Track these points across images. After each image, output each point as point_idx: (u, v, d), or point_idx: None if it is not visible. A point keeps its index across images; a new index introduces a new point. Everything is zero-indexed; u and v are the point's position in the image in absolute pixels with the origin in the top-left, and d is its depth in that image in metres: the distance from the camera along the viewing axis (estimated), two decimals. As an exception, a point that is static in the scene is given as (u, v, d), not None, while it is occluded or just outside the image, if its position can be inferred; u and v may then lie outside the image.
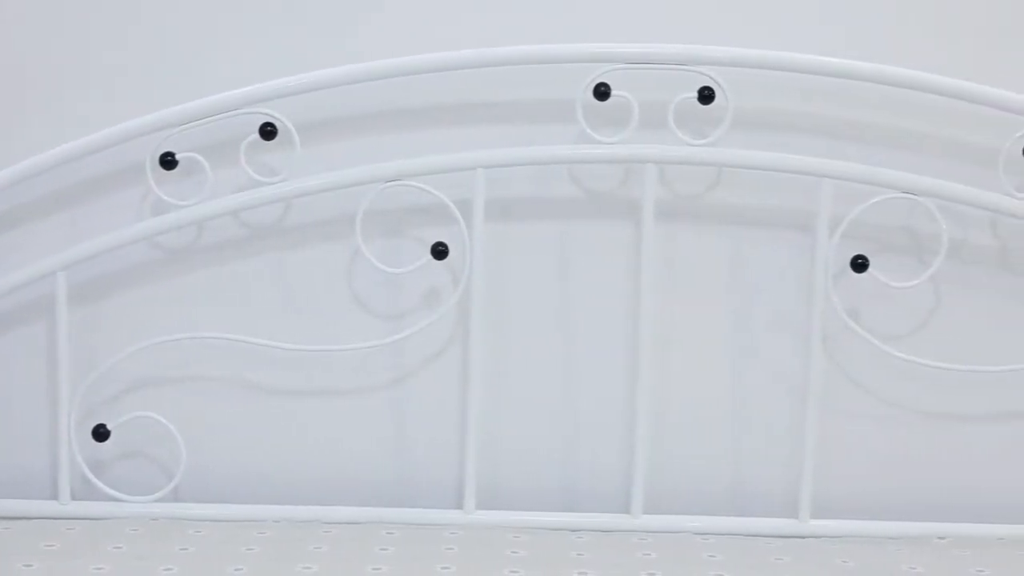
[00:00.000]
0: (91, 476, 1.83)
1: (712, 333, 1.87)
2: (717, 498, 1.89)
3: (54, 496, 1.84)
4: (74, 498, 1.83)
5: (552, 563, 1.62)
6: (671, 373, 1.87)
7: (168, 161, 1.77)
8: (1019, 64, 1.79)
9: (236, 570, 1.56)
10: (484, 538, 1.71)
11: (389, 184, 1.77)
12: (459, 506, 1.84)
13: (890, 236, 1.84)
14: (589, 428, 1.89)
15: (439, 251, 1.79)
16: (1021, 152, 1.76)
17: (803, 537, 1.79)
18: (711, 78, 1.74)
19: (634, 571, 1.60)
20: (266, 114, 1.75)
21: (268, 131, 1.76)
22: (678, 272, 1.86)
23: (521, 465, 1.89)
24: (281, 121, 1.76)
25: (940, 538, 1.78)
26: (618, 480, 1.86)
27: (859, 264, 1.79)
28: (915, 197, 1.76)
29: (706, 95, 1.74)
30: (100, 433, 1.84)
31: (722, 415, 1.89)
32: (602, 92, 1.74)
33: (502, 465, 1.89)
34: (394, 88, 1.78)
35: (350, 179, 1.77)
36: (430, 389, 1.88)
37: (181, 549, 1.64)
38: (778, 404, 1.87)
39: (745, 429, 1.89)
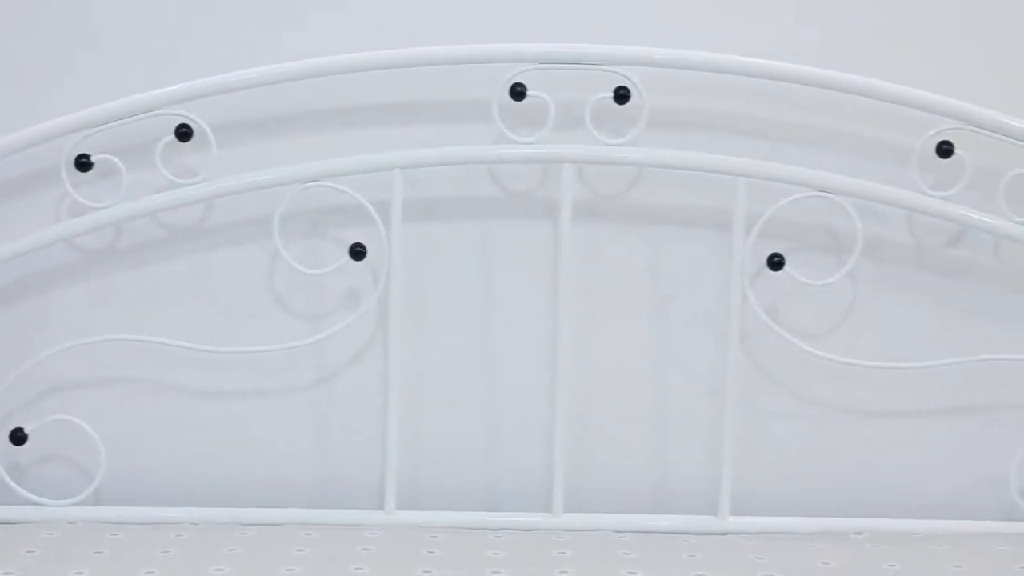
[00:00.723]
0: (9, 480, 1.82)
1: (632, 332, 1.88)
2: (639, 496, 1.90)
3: (-30, 501, 1.84)
4: (-8, 502, 1.83)
5: (467, 563, 1.63)
6: (592, 372, 1.88)
7: (83, 163, 1.76)
8: (931, 62, 1.80)
9: (147, 573, 1.55)
10: (403, 538, 1.71)
11: (307, 185, 1.77)
12: (380, 506, 1.84)
13: (809, 234, 1.85)
14: (511, 427, 1.89)
15: (357, 252, 1.79)
16: (934, 150, 1.78)
17: (723, 534, 1.80)
18: (627, 78, 1.75)
19: (548, 570, 1.61)
20: (182, 115, 1.75)
21: (184, 132, 1.75)
22: (598, 272, 1.87)
23: (443, 465, 1.90)
24: (197, 122, 1.75)
25: (857, 533, 1.79)
26: (540, 479, 1.86)
27: (775, 262, 1.81)
28: (830, 195, 1.77)
29: (622, 95, 1.75)
30: (18, 437, 1.83)
31: (643, 414, 1.90)
32: (518, 92, 1.75)
33: (424, 465, 1.89)
34: (313, 89, 1.78)
35: (268, 180, 1.77)
36: (352, 390, 1.88)
37: (96, 553, 1.63)
38: (698, 402, 1.88)
39: (666, 427, 1.90)
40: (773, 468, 1.90)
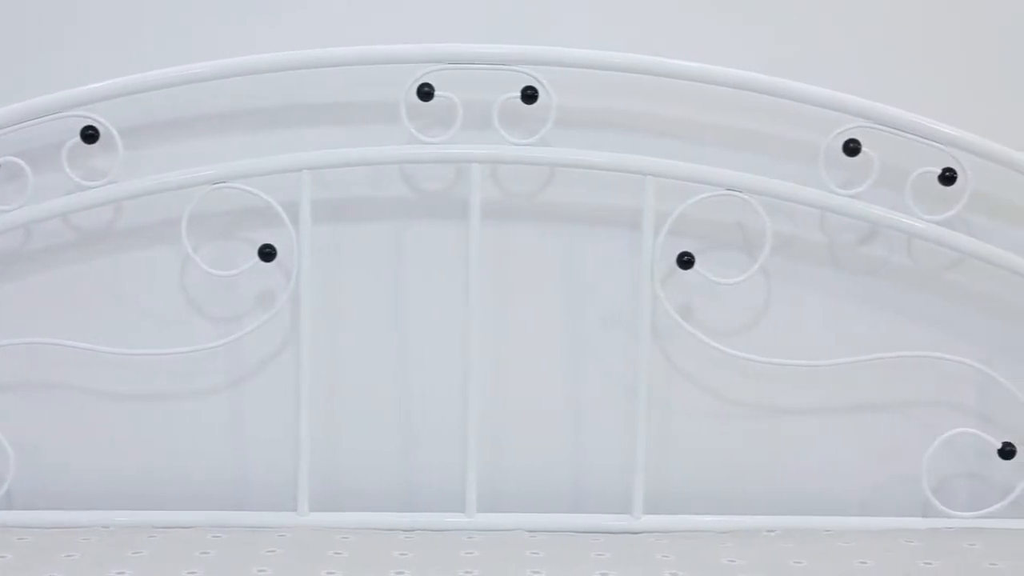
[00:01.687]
0: (-83, 485, 1.82)
1: (547, 331, 1.88)
2: (556, 496, 1.90)
3: None
4: (-99, 507, 1.82)
5: (373, 564, 1.62)
6: (507, 371, 1.88)
7: (-11, 166, 1.76)
8: (837, 61, 1.81)
9: (47, 577, 1.55)
10: (313, 540, 1.71)
11: (216, 187, 1.76)
12: (295, 508, 1.84)
13: (721, 233, 1.86)
14: (426, 427, 1.89)
15: (266, 253, 1.79)
16: (841, 149, 1.79)
17: (636, 533, 1.80)
18: (534, 78, 1.75)
19: (454, 570, 1.61)
20: (87, 117, 1.74)
21: (89, 135, 1.75)
22: (512, 271, 1.87)
23: (359, 465, 1.89)
24: (103, 124, 1.75)
25: (769, 531, 1.79)
26: (455, 479, 1.86)
27: (685, 261, 1.81)
28: (738, 194, 1.78)
29: (529, 95, 1.75)
30: (-73, 441, 1.82)
31: (558, 413, 1.90)
32: (426, 92, 1.75)
33: (340, 466, 1.89)
34: (221, 91, 1.77)
35: (175, 182, 1.76)
36: (266, 391, 1.87)
37: (0, 556, 1.62)
38: (613, 401, 1.88)
39: (581, 427, 1.90)
40: (689, 466, 1.91)
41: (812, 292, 1.88)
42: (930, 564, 1.66)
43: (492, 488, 1.88)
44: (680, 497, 1.90)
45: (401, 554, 1.66)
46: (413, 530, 1.78)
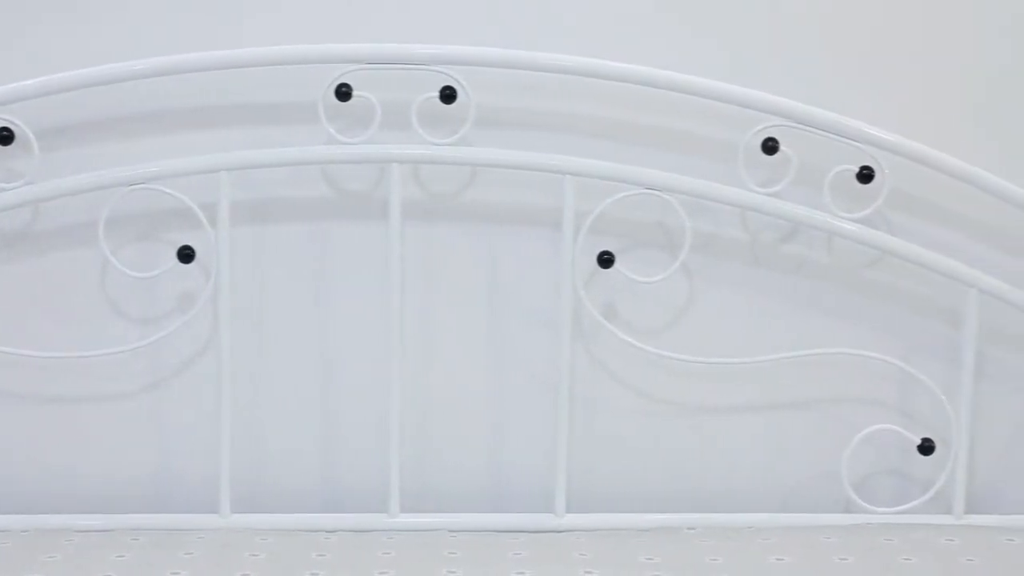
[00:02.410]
0: None
1: (471, 331, 1.88)
2: (480, 495, 1.90)
3: None
4: None
5: (290, 566, 1.62)
6: (431, 371, 1.88)
7: (-98, 167, 1.75)
8: (756, 61, 1.82)
9: (-43, 582, 1.54)
10: (232, 541, 1.70)
11: (133, 188, 1.75)
12: (216, 510, 1.83)
13: (643, 232, 1.86)
14: (349, 428, 1.89)
15: (185, 255, 1.79)
16: (760, 147, 1.79)
17: (558, 532, 1.80)
18: (453, 77, 1.75)
19: (369, 571, 1.60)
20: (2, 118, 1.72)
21: (5, 136, 1.73)
22: (436, 271, 1.87)
23: (282, 466, 1.89)
24: (19, 126, 1.73)
25: (690, 529, 1.80)
26: (378, 479, 1.85)
27: (605, 260, 1.81)
28: (656, 193, 1.78)
29: (448, 94, 1.75)
30: None
31: (483, 413, 1.90)
32: (344, 93, 1.75)
33: (263, 467, 1.89)
34: (140, 91, 1.76)
35: (92, 183, 1.75)
36: (188, 392, 1.87)
37: (-89, 561, 1.61)
38: (537, 400, 1.88)
39: (506, 426, 1.90)
40: (613, 465, 1.91)
41: (734, 290, 1.89)
42: (846, 560, 1.67)
43: (417, 488, 1.88)
44: (605, 496, 1.90)
45: (319, 555, 1.66)
46: (335, 531, 1.78)
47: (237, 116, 1.80)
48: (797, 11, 1.82)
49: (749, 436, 1.91)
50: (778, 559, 1.67)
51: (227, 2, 1.78)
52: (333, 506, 1.89)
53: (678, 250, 1.82)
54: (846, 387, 1.90)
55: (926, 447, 1.87)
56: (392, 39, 1.76)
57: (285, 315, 1.87)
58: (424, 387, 1.88)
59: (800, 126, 1.77)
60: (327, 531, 1.78)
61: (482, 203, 1.86)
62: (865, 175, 1.79)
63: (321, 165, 1.81)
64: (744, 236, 1.88)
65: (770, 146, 1.78)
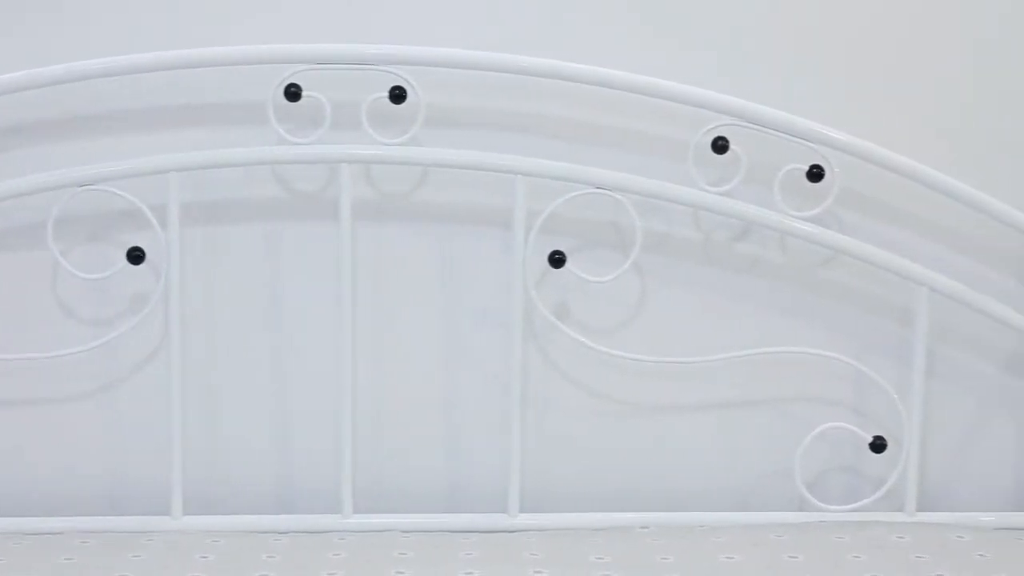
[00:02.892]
0: None
1: (424, 331, 1.88)
2: (434, 495, 1.90)
3: None
4: None
5: (239, 567, 1.62)
6: (384, 372, 1.88)
7: None
8: (705, 60, 1.82)
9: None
10: (183, 543, 1.70)
11: (83, 188, 1.75)
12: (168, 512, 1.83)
13: (596, 232, 1.86)
14: (303, 428, 1.89)
15: (135, 256, 1.78)
16: (710, 146, 1.80)
17: (511, 532, 1.80)
18: (402, 77, 1.75)
19: (318, 572, 1.60)
20: (-52, 120, 1.73)
21: (-48, 137, 1.74)
22: (388, 271, 1.86)
23: (235, 467, 1.89)
24: (-35, 127, 1.74)
25: (643, 528, 1.80)
26: (332, 479, 1.85)
27: (556, 259, 1.81)
28: (606, 192, 1.78)
29: (397, 94, 1.75)
30: None
31: (437, 413, 1.90)
32: (293, 93, 1.74)
33: (216, 468, 1.88)
34: (89, 92, 1.76)
35: (42, 184, 1.74)
36: (141, 394, 1.86)
37: None
38: (491, 400, 1.88)
39: (460, 426, 1.90)
40: (568, 465, 1.91)
41: (687, 290, 1.89)
42: (796, 558, 1.67)
43: (372, 488, 1.88)
44: (560, 496, 1.90)
45: (269, 556, 1.65)
46: (287, 532, 1.77)
47: (188, 117, 1.80)
48: (750, 12, 1.82)
49: (703, 435, 1.92)
50: (728, 558, 1.67)
51: (178, 2, 1.78)
52: (287, 507, 1.89)
53: (630, 249, 1.83)
54: (799, 386, 1.90)
55: (878, 445, 1.87)
56: (342, 39, 1.76)
57: (238, 316, 1.86)
58: (378, 387, 1.88)
59: (750, 125, 1.77)
60: (279, 532, 1.77)
61: (434, 203, 1.86)
62: (815, 174, 1.80)
63: (271, 166, 1.81)
64: (697, 235, 1.88)
65: (720, 145, 1.78)
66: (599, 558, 1.66)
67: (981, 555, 1.69)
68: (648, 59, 1.80)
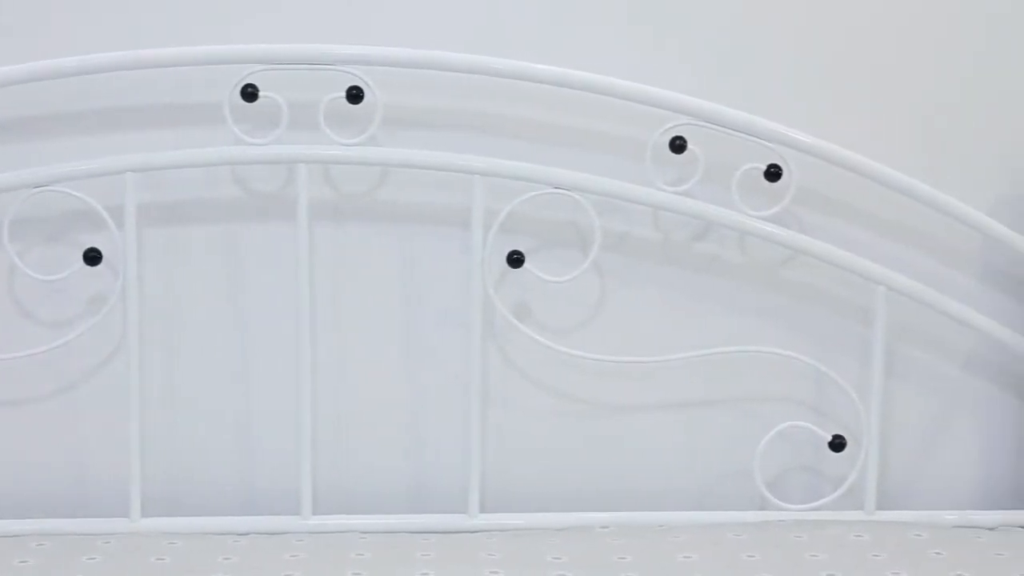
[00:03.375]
0: None
1: (385, 331, 1.88)
2: (396, 495, 1.90)
3: None
4: None
5: (193, 569, 1.61)
6: (345, 371, 1.88)
7: None
8: (663, 60, 1.82)
9: None
10: (140, 545, 1.69)
11: (40, 190, 1.74)
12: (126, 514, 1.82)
13: (556, 231, 1.86)
14: (263, 429, 1.88)
15: (92, 257, 1.77)
16: (668, 146, 1.80)
17: (472, 532, 1.80)
18: (359, 77, 1.75)
19: (274, 574, 1.60)
20: (-98, 121, 1.72)
21: (-94, 138, 1.73)
22: (349, 271, 1.86)
23: (196, 469, 1.88)
24: (-81, 128, 1.73)
25: (603, 528, 1.80)
26: (292, 480, 1.84)
27: (514, 259, 1.81)
28: (565, 192, 1.78)
29: (355, 94, 1.75)
30: None
31: (398, 413, 1.90)
32: (250, 93, 1.74)
33: (178, 469, 1.88)
34: (46, 93, 1.75)
35: (-3, 185, 1.75)
36: (100, 395, 1.85)
37: None
38: (452, 400, 1.88)
39: (421, 426, 1.90)
40: (529, 464, 1.91)
41: (647, 289, 1.89)
42: (753, 557, 1.67)
43: (332, 489, 1.88)
44: (521, 495, 1.90)
45: (225, 558, 1.65)
46: (247, 533, 1.77)
47: (145, 118, 1.79)
48: (707, 12, 1.83)
49: (663, 435, 1.91)
50: (686, 557, 1.67)
51: (135, 3, 1.78)
52: (249, 508, 1.88)
53: (590, 249, 1.82)
54: (760, 385, 1.91)
55: (837, 444, 1.88)
56: (298, 39, 1.76)
57: (198, 317, 1.86)
58: (339, 387, 1.88)
59: (707, 124, 1.77)
60: (238, 534, 1.77)
61: (394, 203, 1.85)
62: (773, 173, 1.80)
63: (229, 166, 1.80)
64: (656, 235, 1.88)
65: (678, 145, 1.78)
66: (556, 558, 1.66)
67: (938, 553, 1.70)
68: (609, 59, 1.80)
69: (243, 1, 1.78)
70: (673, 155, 1.79)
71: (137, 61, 1.72)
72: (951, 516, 1.87)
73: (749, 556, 1.67)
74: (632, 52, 1.82)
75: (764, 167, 1.80)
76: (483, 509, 1.86)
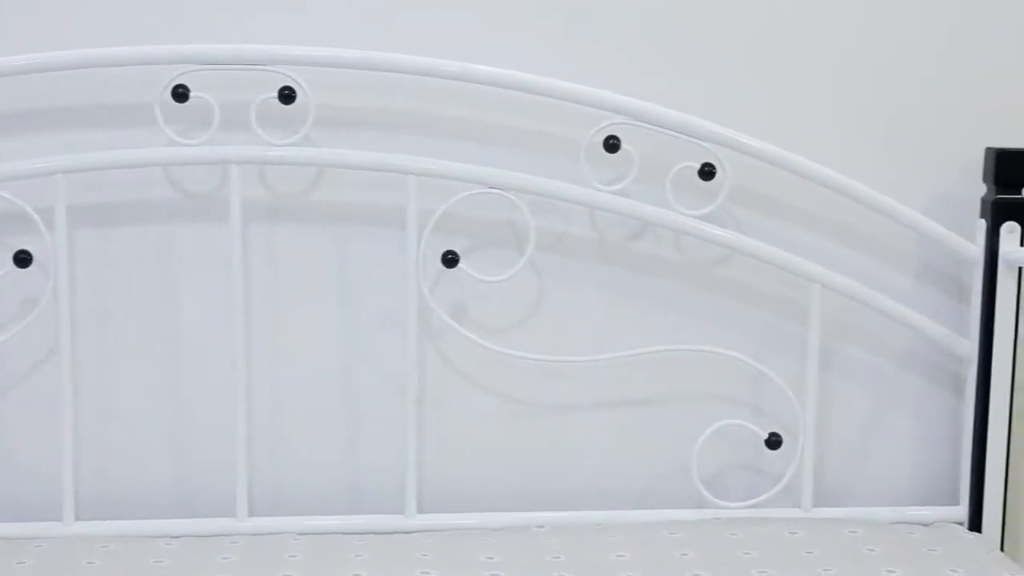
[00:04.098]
0: None
1: (322, 332, 1.87)
2: (334, 496, 1.89)
3: None
4: None
5: (124, 572, 1.60)
6: (282, 373, 1.87)
7: None
8: (598, 59, 1.82)
9: None
10: (71, 549, 1.68)
11: (-34, 192, 1.73)
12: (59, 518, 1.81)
13: (493, 231, 1.86)
14: (199, 430, 1.87)
15: (21, 259, 1.76)
16: (602, 145, 1.80)
17: (407, 533, 1.80)
18: (291, 78, 1.74)
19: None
20: None
21: None
22: (285, 272, 1.85)
23: (131, 472, 1.86)
24: None
25: (540, 527, 1.80)
26: (228, 482, 1.83)
27: (449, 259, 1.81)
28: (499, 191, 1.78)
29: (287, 95, 1.74)
30: None
31: (336, 414, 1.89)
32: (180, 94, 1.73)
33: (112, 472, 1.86)
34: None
35: (-77, 187, 1.73)
36: (32, 399, 1.83)
37: None
38: (389, 401, 1.87)
39: (359, 428, 1.89)
40: (467, 465, 1.91)
41: (584, 288, 1.89)
42: (686, 555, 1.68)
43: (270, 490, 1.87)
44: (460, 496, 1.90)
45: (157, 561, 1.64)
46: (180, 536, 1.76)
47: (76, 119, 1.78)
48: (642, 12, 1.83)
49: (601, 434, 1.92)
50: (619, 556, 1.67)
51: (67, 4, 1.77)
52: (183, 510, 1.87)
53: (526, 248, 1.82)
54: (698, 384, 1.91)
55: (774, 442, 1.88)
56: (231, 39, 1.76)
57: (132, 319, 1.84)
58: (276, 389, 1.87)
59: (641, 124, 1.77)
60: (172, 536, 1.76)
61: (329, 203, 1.85)
62: (707, 172, 1.80)
63: (161, 167, 1.79)
64: (592, 234, 1.88)
65: (612, 144, 1.78)
66: (490, 558, 1.66)
67: (871, 549, 1.70)
68: (544, 59, 1.80)
69: (176, 1, 1.78)
70: (608, 154, 1.79)
71: (67, 61, 1.71)
72: (887, 512, 1.89)
73: (683, 554, 1.68)
74: (567, 52, 1.82)
75: (698, 166, 1.81)
76: (422, 509, 1.86)
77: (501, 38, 1.81)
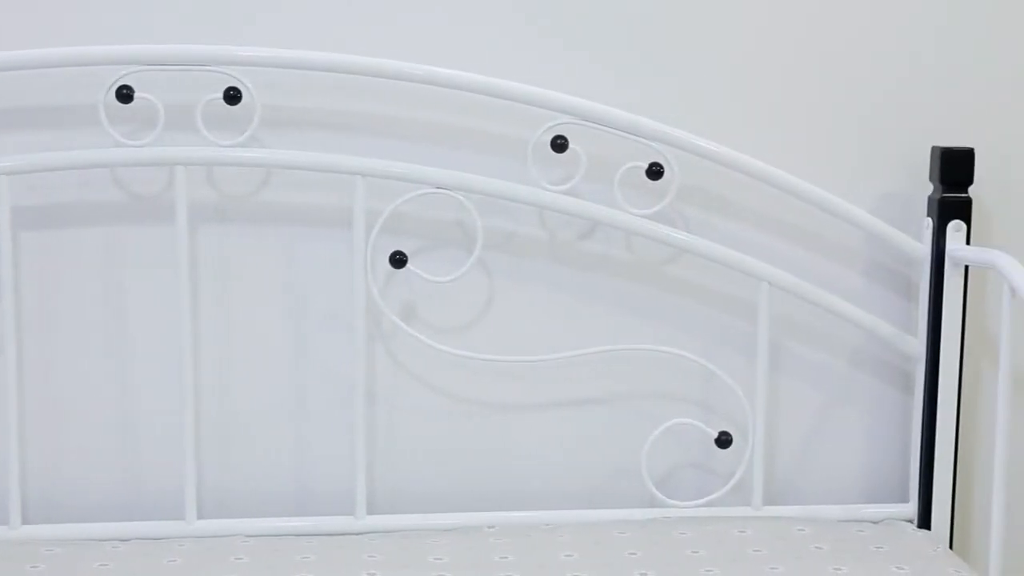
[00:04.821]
0: None
1: (270, 333, 1.86)
2: (282, 498, 1.88)
3: None
4: None
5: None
6: (230, 374, 1.86)
7: None
8: (545, 60, 1.83)
9: None
10: (16, 553, 1.67)
11: (-90, 194, 1.72)
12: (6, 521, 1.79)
13: (443, 231, 1.86)
14: (146, 432, 1.86)
15: (-40, 261, 1.75)
16: (549, 145, 1.80)
17: (357, 534, 1.80)
18: (236, 78, 1.73)
19: (155, 579, 1.59)
20: None
21: None
22: (233, 273, 1.85)
23: (78, 475, 1.85)
24: None
25: (490, 527, 1.80)
26: (176, 484, 1.82)
27: (397, 260, 1.80)
28: (446, 192, 1.78)
29: (232, 95, 1.74)
30: None
31: (284, 416, 1.88)
32: (125, 95, 1.72)
33: (58, 473, 1.85)
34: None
35: None
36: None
37: None
38: (337, 402, 1.87)
39: (307, 429, 1.88)
40: (418, 465, 1.90)
41: (535, 288, 1.89)
42: (635, 554, 1.68)
43: (218, 492, 1.87)
44: (410, 496, 1.90)
45: (102, 564, 1.63)
46: (128, 539, 1.75)
47: (20, 120, 1.77)
48: (590, 12, 1.83)
49: (552, 434, 1.91)
50: (567, 556, 1.67)
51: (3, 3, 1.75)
52: (132, 513, 1.86)
53: (475, 249, 1.82)
54: (648, 383, 1.91)
55: (724, 440, 1.89)
56: (175, 40, 1.75)
57: (79, 321, 1.83)
58: (223, 390, 1.86)
59: (589, 123, 1.77)
60: (120, 540, 1.75)
61: (278, 204, 1.84)
62: (655, 172, 1.81)
63: (106, 168, 1.78)
64: (542, 234, 1.88)
65: (559, 144, 1.78)
66: (438, 559, 1.66)
67: (818, 547, 1.71)
68: (492, 59, 1.80)
69: (119, 1, 1.77)
70: (556, 154, 1.79)
71: (9, 62, 1.70)
72: (837, 510, 1.89)
73: (631, 554, 1.68)
74: (515, 52, 1.82)
75: (646, 165, 1.81)
76: (372, 511, 1.86)
77: (451, 39, 1.81)
